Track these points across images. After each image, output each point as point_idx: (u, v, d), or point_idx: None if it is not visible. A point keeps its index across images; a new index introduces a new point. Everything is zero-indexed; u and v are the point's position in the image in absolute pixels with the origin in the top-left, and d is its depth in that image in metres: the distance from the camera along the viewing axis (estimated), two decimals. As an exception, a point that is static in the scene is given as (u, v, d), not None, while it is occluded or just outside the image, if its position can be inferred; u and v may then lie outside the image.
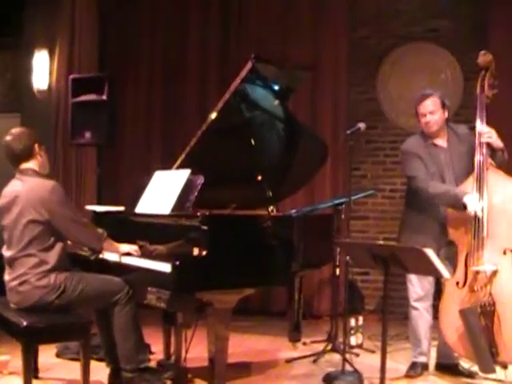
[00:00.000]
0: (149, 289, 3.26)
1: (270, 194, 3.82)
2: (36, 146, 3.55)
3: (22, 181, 3.50)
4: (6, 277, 3.49)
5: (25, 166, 3.51)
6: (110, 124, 5.14)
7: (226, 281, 3.19)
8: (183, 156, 3.90)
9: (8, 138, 3.54)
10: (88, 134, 5.19)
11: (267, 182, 3.82)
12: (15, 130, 3.58)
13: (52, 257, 3.41)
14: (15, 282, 3.41)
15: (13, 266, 3.45)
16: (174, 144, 6.01)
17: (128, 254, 3.57)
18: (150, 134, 6.64)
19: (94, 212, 4.23)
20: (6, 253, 3.49)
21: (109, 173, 6.26)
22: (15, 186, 3.51)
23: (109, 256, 3.63)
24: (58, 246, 3.44)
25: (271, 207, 3.79)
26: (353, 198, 4.59)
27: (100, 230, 3.57)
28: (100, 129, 5.11)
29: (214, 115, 3.74)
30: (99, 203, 5.15)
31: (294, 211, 4.03)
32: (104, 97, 5.11)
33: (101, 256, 3.65)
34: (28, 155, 3.51)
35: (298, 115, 4.35)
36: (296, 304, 3.62)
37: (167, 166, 4.00)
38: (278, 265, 3.42)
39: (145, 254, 3.52)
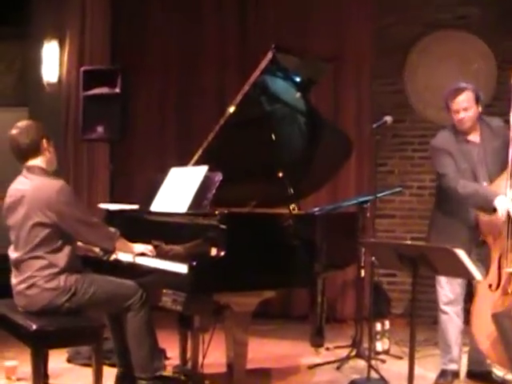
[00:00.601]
0: (164, 291, 3.29)
1: (292, 191, 3.83)
2: (44, 141, 3.51)
3: (28, 179, 3.48)
4: (13, 280, 3.51)
5: (32, 162, 3.49)
6: (123, 118, 5.18)
7: (245, 282, 3.20)
8: (200, 152, 3.92)
9: (14, 131, 3.49)
10: (100, 129, 5.23)
11: (288, 179, 3.83)
12: (22, 123, 3.52)
13: (61, 259, 3.42)
14: (23, 286, 3.42)
15: (20, 269, 3.46)
16: (191, 139, 6.01)
17: (142, 255, 3.59)
18: (165, 128, 6.67)
19: (107, 210, 4.26)
20: (13, 254, 3.50)
21: (122, 169, 6.29)
22: (21, 185, 3.50)
23: (122, 256, 3.66)
24: (67, 248, 3.45)
25: (293, 205, 3.80)
26: (379, 195, 4.59)
27: (112, 229, 3.58)
28: (113, 123, 5.14)
29: (232, 109, 3.75)
30: (112, 201, 5.17)
31: (316, 209, 4.04)
32: (117, 89, 5.14)
33: (114, 256, 3.68)
34: (35, 151, 3.48)
35: (321, 108, 4.34)
36: (319, 307, 3.63)
37: (183, 162, 4.02)
38: (300, 266, 3.42)
39: (160, 255, 3.54)
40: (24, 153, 3.48)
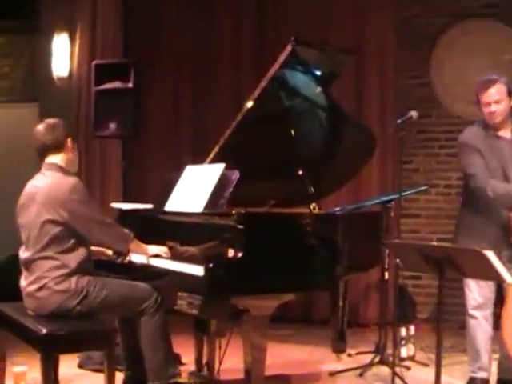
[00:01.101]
0: (179, 294, 3.30)
1: (312, 189, 3.82)
2: (69, 140, 3.60)
3: (45, 176, 3.56)
4: (23, 282, 3.55)
5: (51, 159, 3.57)
6: (137, 114, 5.20)
7: (264, 285, 3.21)
8: (216, 149, 3.93)
9: (40, 126, 3.60)
10: (112, 125, 5.26)
11: (309, 177, 3.83)
12: (50, 120, 3.63)
13: (73, 260, 3.45)
14: (33, 287, 3.45)
15: (30, 269, 3.49)
16: (206, 136, 6.05)
17: (156, 256, 3.61)
18: (180, 125, 6.70)
19: (120, 210, 4.29)
20: (23, 254, 3.55)
21: (135, 167, 6.34)
22: (36, 182, 3.58)
23: (136, 258, 3.68)
24: (80, 249, 3.48)
25: (313, 204, 3.80)
26: (403, 194, 4.58)
27: (126, 231, 3.61)
28: (125, 119, 5.17)
29: (250, 104, 3.76)
30: (125, 200, 5.20)
31: (338, 209, 4.04)
32: (130, 84, 5.17)
33: (128, 259, 3.70)
34: (57, 148, 3.56)
35: (342, 103, 4.35)
36: (340, 311, 3.63)
37: (199, 160, 4.04)
38: (321, 268, 3.43)
39: (175, 256, 3.56)
40: (46, 148, 3.57)
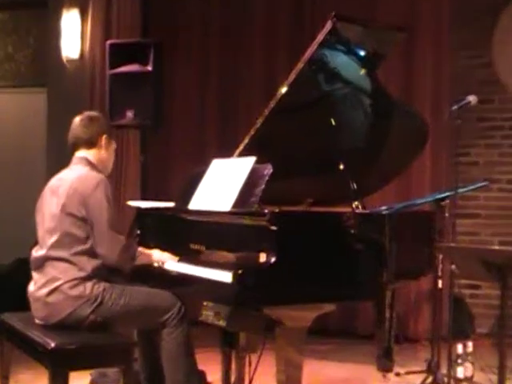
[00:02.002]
0: (204, 303, 3.32)
1: (355, 186, 3.82)
2: (104, 137, 3.77)
3: (70, 170, 3.72)
4: (31, 287, 3.63)
5: (81, 153, 3.73)
6: (157, 101, 5.25)
7: (300, 294, 3.22)
8: (246, 140, 3.96)
9: (77, 118, 3.79)
10: (130, 114, 5.31)
11: (351, 172, 3.83)
12: (88, 112, 3.87)
13: (90, 263, 3.53)
14: (43, 291, 3.51)
15: (41, 270, 3.56)
16: (235, 126, 6.10)
17: (161, 263, 3.71)
18: (206, 113, 6.75)
19: (138, 209, 4.35)
20: (36, 253, 3.64)
21: (155, 161, 6.40)
22: (62, 175, 3.72)
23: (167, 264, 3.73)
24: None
25: (356, 203, 3.80)
26: (460, 191, 4.56)
27: (133, 248, 3.70)
28: (144, 107, 5.22)
29: (284, 89, 3.77)
30: (144, 198, 5.27)
31: (384, 208, 4.04)
32: (149, 67, 5.22)
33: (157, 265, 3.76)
34: (89, 143, 3.74)
35: (390, 87, 4.35)
36: (387, 324, 3.63)
37: (226, 152, 4.07)
38: (365, 275, 3.43)
39: (200, 261, 3.58)
40: (78, 142, 3.75)
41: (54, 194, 3.63)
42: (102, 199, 3.54)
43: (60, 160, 3.95)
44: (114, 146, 3.88)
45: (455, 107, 4.19)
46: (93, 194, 3.53)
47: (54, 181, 3.73)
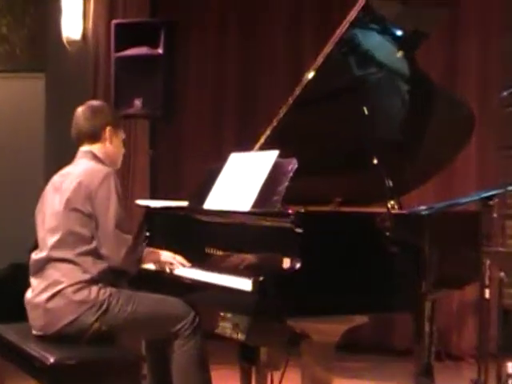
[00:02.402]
0: (221, 314, 3.36)
1: (390, 183, 3.83)
2: (108, 128, 3.81)
3: (75, 165, 3.77)
4: (29, 294, 3.66)
5: (86, 148, 3.79)
6: (168, 88, 5.26)
7: (329, 304, 3.21)
8: (268, 132, 3.98)
9: (80, 109, 3.85)
10: (137, 102, 5.34)
11: (386, 167, 3.83)
12: (92, 102, 3.94)
13: (96, 265, 3.56)
14: (43, 297, 3.54)
15: (42, 273, 3.60)
16: (256, 116, 6.11)
17: (170, 264, 3.75)
18: (223, 102, 6.75)
19: (147, 208, 4.37)
20: (36, 255, 3.68)
21: (166, 155, 6.41)
22: (65, 170, 3.78)
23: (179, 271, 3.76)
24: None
25: (392, 202, 3.81)
26: (510, 188, 4.55)
27: (140, 249, 3.74)
28: (154, 95, 5.25)
29: (311, 74, 3.78)
30: (153, 196, 5.28)
31: (424, 208, 4.04)
32: (159, 50, 5.24)
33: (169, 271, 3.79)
34: (92, 137, 3.79)
35: (431, 71, 4.33)
36: (426, 338, 3.63)
37: (246, 146, 4.09)
38: (402, 283, 3.43)
39: (216, 266, 3.60)
40: (81, 136, 3.82)
41: (57, 191, 3.69)
42: (109, 193, 3.58)
43: (59, 153, 4.01)
44: (121, 136, 3.92)
45: (505, 93, 4.19)
46: (100, 188, 3.57)
47: (57, 177, 3.78)
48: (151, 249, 3.84)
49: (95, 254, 3.58)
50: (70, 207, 3.58)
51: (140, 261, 3.70)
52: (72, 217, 3.58)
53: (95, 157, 3.76)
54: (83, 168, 3.68)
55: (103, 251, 3.58)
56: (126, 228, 3.64)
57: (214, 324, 3.37)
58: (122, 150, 3.97)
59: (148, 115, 5.47)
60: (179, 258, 3.76)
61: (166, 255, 3.77)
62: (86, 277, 3.54)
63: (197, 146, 6.61)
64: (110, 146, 3.84)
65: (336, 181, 4.04)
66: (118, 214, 3.59)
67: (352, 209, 3.96)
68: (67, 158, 3.86)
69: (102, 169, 3.67)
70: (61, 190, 3.66)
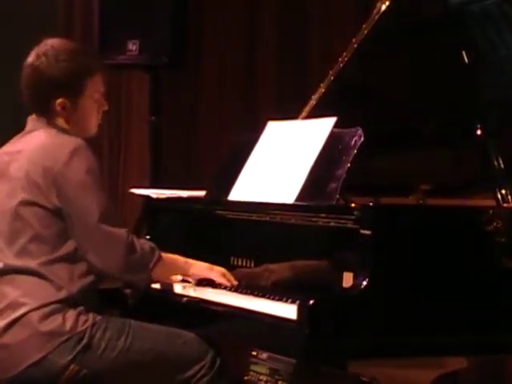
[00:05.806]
0: (253, 353, 3.36)
1: (502, 164, 3.78)
2: (88, 80, 3.69)
3: (25, 137, 3.69)
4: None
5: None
6: (178, 28, 5.26)
7: (410, 340, 3.21)
8: (323, 90, 3.98)
9: (32, 57, 3.70)
10: (132, 46, 5.33)
11: (494, 141, 3.79)
12: (51, 41, 3.74)
13: (71, 278, 3.51)
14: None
15: None
16: (304, 66, 6.09)
17: (210, 285, 3.71)
18: (256, 49, 6.73)
19: (147, 199, 4.42)
20: None
21: (173, 123, 6.41)
22: (11, 147, 3.71)
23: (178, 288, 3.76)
24: (84, 262, 3.53)
25: (503, 191, 3.76)
26: None
27: (148, 244, 3.65)
28: (157, 36, 5.25)
29: (384, 5, 3.80)
30: (154, 184, 5.28)
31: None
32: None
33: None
34: (42, 108, 3.67)
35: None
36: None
37: (289, 110, 4.10)
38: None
39: (245, 285, 3.62)
40: (40, 93, 3.67)
41: (3, 178, 3.61)
42: (82, 175, 3.51)
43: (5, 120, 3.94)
44: (97, 89, 3.76)
45: None
46: (68, 169, 3.49)
47: (0, 157, 3.70)
48: (170, 255, 3.71)
49: (70, 261, 3.51)
50: (25, 201, 3.51)
51: (148, 265, 3.60)
52: (30, 215, 3.51)
53: (55, 125, 3.67)
54: (39, 142, 3.60)
55: (90, 258, 3.52)
56: (114, 220, 3.57)
57: (242, 369, 3.33)
58: (97, 107, 3.80)
59: (148, 65, 5.46)
60: (229, 275, 3.71)
61: (199, 269, 3.71)
62: (59, 296, 3.46)
63: (218, 110, 6.60)
64: (76, 113, 3.71)
65: (420, 161, 4.01)
66: (99, 201, 3.53)
67: (445, 201, 3.91)
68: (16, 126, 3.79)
69: (67, 140, 3.58)
70: (8, 175, 3.60)
